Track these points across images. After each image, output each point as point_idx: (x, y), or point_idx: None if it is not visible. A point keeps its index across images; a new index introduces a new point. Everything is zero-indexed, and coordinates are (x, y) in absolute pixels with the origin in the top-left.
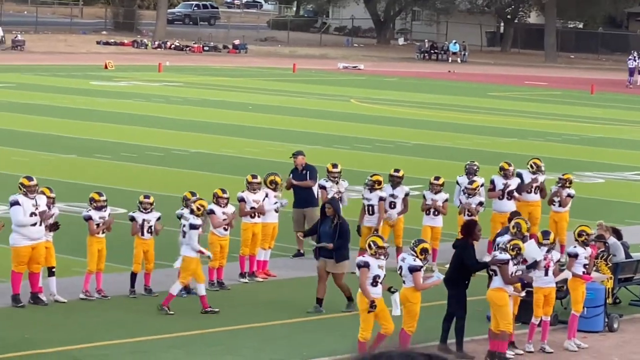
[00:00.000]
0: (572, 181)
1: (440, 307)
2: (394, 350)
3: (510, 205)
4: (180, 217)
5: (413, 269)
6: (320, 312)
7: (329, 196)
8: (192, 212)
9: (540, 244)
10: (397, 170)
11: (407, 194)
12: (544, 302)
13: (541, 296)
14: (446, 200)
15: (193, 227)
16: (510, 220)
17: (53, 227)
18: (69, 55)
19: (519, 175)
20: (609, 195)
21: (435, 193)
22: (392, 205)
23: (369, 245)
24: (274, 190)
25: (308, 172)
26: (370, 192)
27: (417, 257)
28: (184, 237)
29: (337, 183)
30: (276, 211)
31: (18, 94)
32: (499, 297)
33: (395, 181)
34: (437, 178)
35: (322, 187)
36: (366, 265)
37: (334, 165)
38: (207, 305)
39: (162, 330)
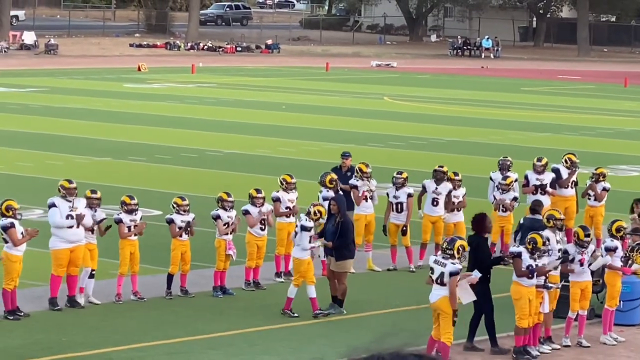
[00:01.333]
0: (605, 175)
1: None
2: (385, 351)
3: (544, 201)
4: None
5: (454, 273)
6: (340, 312)
7: (360, 195)
8: (308, 214)
9: (580, 240)
10: (441, 166)
11: (450, 191)
12: (580, 296)
13: (578, 290)
14: (464, 195)
15: (304, 228)
16: (532, 210)
17: (107, 229)
18: (102, 59)
19: (556, 171)
20: None
21: (456, 189)
22: (435, 202)
23: (458, 250)
24: (334, 188)
25: (353, 175)
26: (397, 189)
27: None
28: (295, 237)
29: (368, 181)
30: None
31: (52, 97)
32: (513, 291)
33: (439, 177)
34: (456, 174)
35: (354, 187)
36: (459, 272)
37: (367, 165)
38: (316, 308)
39: (199, 331)
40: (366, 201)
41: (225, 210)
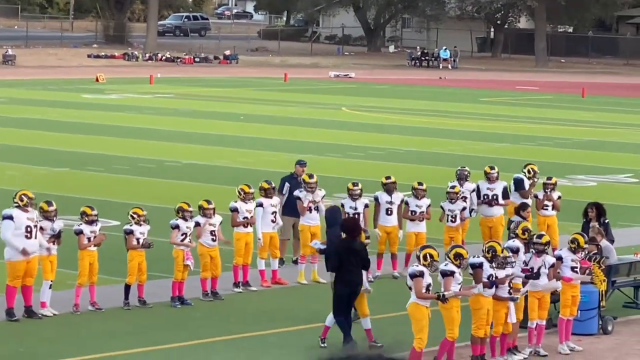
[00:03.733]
0: (556, 182)
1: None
2: (360, 353)
3: (496, 210)
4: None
5: (444, 274)
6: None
7: (304, 205)
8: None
9: (534, 245)
10: (388, 177)
11: (402, 200)
12: (538, 305)
13: (535, 300)
14: (429, 206)
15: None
16: (517, 212)
17: (57, 237)
18: (60, 69)
19: (519, 181)
20: (601, 198)
21: (419, 199)
22: (389, 212)
23: (425, 257)
24: (266, 196)
25: None
26: (353, 200)
27: (453, 262)
28: None
29: (312, 193)
30: (273, 221)
31: (10, 108)
32: (473, 301)
33: (389, 189)
34: (420, 183)
35: (297, 198)
36: (421, 274)
37: (310, 176)
38: (372, 339)
39: (158, 341)
40: (310, 212)
41: (185, 220)
